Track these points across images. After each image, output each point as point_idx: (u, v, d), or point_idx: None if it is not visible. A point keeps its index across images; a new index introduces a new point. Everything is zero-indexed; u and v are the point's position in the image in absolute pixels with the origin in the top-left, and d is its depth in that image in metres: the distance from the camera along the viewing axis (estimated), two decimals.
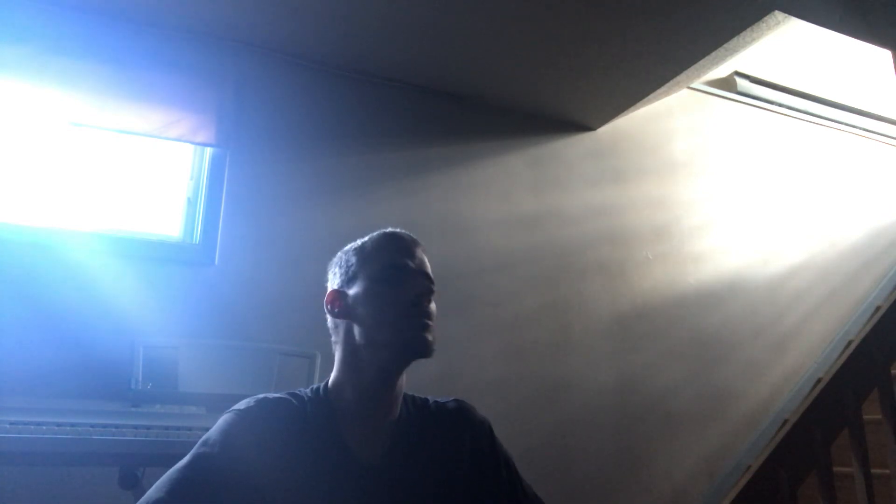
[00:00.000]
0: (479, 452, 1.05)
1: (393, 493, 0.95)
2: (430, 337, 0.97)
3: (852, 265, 3.44)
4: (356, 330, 0.99)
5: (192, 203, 2.29)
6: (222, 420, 0.94)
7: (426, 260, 1.05)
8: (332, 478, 0.92)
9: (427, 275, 1.03)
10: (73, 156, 2.20)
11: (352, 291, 1.01)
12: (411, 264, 1.02)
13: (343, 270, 1.04)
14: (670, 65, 2.50)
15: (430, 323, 0.98)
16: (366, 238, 1.07)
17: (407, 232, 1.07)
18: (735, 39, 2.33)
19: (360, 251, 1.05)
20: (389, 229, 1.07)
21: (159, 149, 2.32)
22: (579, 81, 2.61)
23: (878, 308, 2.35)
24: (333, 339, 1.04)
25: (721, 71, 3.27)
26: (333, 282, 1.06)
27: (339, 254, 1.08)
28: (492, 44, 2.38)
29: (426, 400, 1.08)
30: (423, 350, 0.97)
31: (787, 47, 3.50)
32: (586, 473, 2.54)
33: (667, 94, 2.82)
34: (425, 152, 2.64)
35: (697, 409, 2.83)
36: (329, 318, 1.04)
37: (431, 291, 1.00)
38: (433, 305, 1.01)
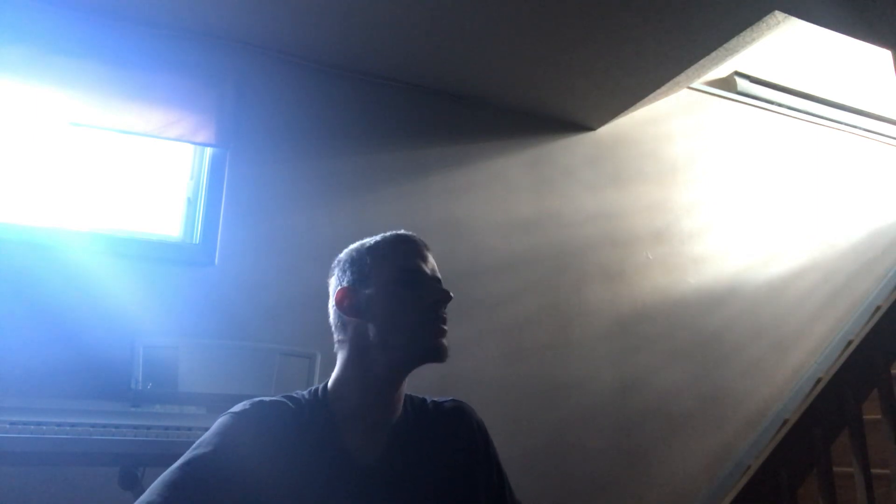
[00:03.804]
0: (475, 453, 1.05)
1: (390, 493, 0.95)
2: (445, 343, 0.99)
3: (852, 265, 3.44)
4: (370, 330, 0.99)
5: (192, 203, 2.29)
6: (217, 422, 0.94)
7: (436, 265, 1.07)
8: (329, 478, 0.92)
9: (441, 281, 1.05)
10: (73, 156, 2.20)
11: (367, 291, 1.00)
12: (426, 269, 1.03)
13: (357, 269, 1.03)
14: (670, 65, 2.49)
15: (445, 329, 1.00)
16: (377, 238, 1.06)
17: (417, 235, 1.08)
18: (735, 39, 2.33)
19: (374, 251, 1.03)
20: (402, 231, 1.07)
21: (159, 149, 2.32)
22: (579, 81, 2.61)
23: (878, 308, 2.35)
24: (339, 337, 1.03)
25: (721, 71, 3.27)
26: (343, 279, 1.03)
27: (347, 252, 1.07)
28: (492, 44, 2.38)
29: (424, 400, 1.08)
30: (439, 356, 0.99)
31: (787, 47, 3.50)
32: (587, 474, 2.54)
33: (667, 94, 2.82)
34: (425, 152, 2.64)
35: (698, 409, 2.83)
36: (335, 316, 1.03)
37: (450, 298, 1.02)
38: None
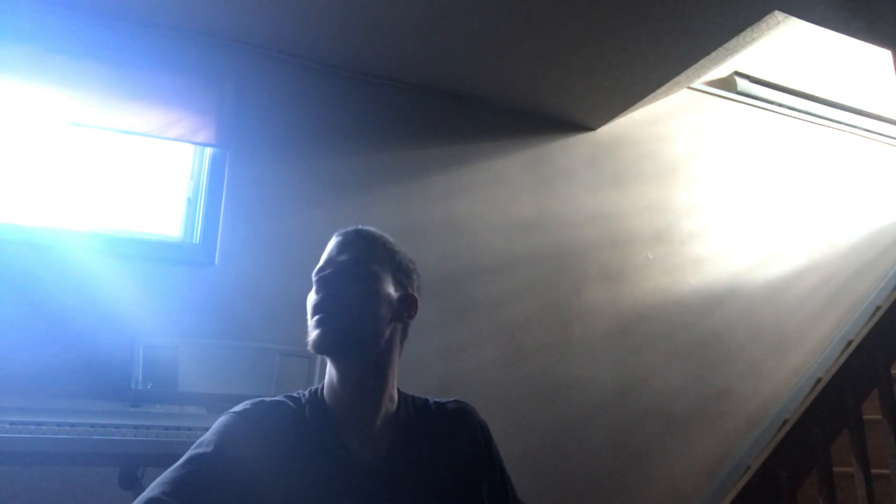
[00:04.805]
0: (476, 454, 1.05)
1: (392, 493, 0.95)
2: (319, 330, 0.95)
3: (852, 266, 3.44)
4: None
5: (192, 203, 2.29)
6: (218, 422, 0.95)
7: (350, 245, 1.02)
8: (331, 478, 0.92)
9: (328, 260, 1.01)
10: (73, 156, 2.20)
11: None
12: (322, 262, 1.02)
13: None
14: (670, 65, 2.50)
15: (319, 315, 0.95)
16: None
17: (349, 228, 1.05)
18: (735, 39, 2.33)
19: None
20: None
21: (159, 149, 2.32)
22: (579, 81, 2.61)
23: (878, 308, 2.36)
24: None
25: (721, 71, 3.27)
26: None
27: None
28: (492, 43, 2.38)
29: (426, 400, 1.08)
30: (315, 347, 0.95)
31: (787, 47, 3.50)
32: (587, 474, 2.54)
33: (667, 94, 2.82)
34: (425, 153, 2.64)
35: (698, 409, 2.82)
36: None
37: (318, 280, 0.97)
38: (355, 291, 0.97)
